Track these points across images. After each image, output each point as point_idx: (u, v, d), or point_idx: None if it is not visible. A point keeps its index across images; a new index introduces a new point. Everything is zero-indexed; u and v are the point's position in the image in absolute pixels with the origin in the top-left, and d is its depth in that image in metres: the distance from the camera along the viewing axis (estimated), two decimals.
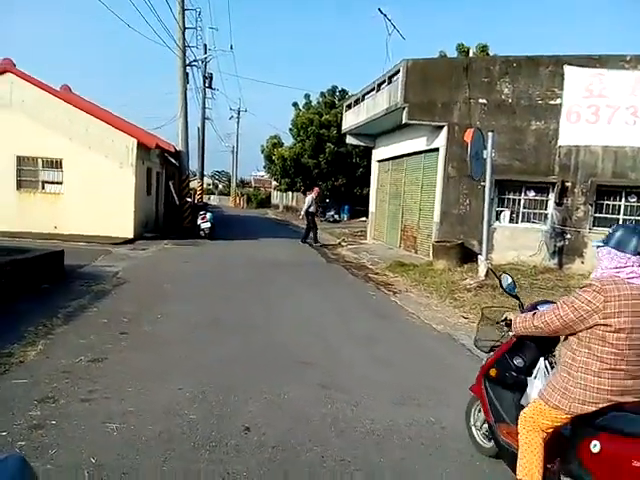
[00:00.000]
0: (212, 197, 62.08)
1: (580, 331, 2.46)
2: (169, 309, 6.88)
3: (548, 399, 2.52)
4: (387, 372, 4.94)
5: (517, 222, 12.42)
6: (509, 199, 12.48)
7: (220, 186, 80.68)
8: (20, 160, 14.25)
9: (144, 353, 5.00)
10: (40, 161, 14.41)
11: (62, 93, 15.71)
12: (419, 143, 13.93)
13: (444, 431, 3.67)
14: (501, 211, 12.51)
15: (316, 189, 18.81)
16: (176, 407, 3.76)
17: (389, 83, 13.46)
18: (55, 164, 14.42)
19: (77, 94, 17.89)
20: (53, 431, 3.29)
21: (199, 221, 17.07)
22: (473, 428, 3.41)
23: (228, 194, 64.60)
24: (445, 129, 12.46)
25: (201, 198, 29.94)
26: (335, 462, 3.15)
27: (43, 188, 14.53)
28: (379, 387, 4.49)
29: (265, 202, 53.86)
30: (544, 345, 2.94)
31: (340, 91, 31.98)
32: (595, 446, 2.33)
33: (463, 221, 12.45)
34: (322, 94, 32.12)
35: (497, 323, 3.21)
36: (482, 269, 9.89)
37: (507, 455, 2.89)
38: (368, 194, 23.05)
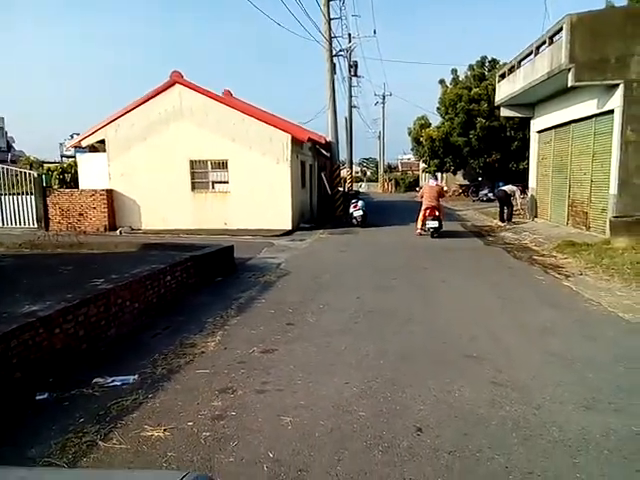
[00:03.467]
0: (361, 184, 62.85)
1: (422, 196, 14.42)
2: (330, 299, 7.02)
3: (422, 207, 14.10)
4: (568, 370, 4.42)
5: None
6: None
7: (368, 173, 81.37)
8: (193, 164, 15.77)
9: (310, 345, 5.13)
10: (209, 163, 15.79)
11: (224, 98, 17.03)
12: (588, 107, 12.47)
13: None
14: None
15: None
16: (345, 403, 3.77)
17: (550, 44, 12.16)
18: (222, 165, 15.69)
19: (237, 98, 19.25)
20: (233, 422, 3.50)
21: (351, 209, 17.31)
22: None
23: (376, 180, 64.98)
24: (621, 87, 10.98)
25: (351, 186, 30.48)
26: (522, 475, 2.86)
27: (213, 188, 15.91)
28: (561, 388, 4.03)
29: (413, 185, 53.03)
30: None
31: (490, 61, 29.98)
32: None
33: None
34: (470, 67, 30.42)
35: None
36: None
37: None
38: (525, 169, 21.31)
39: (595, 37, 11.03)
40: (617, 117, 11.21)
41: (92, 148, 16.59)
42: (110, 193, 15.91)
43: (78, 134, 19.00)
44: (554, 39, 12.00)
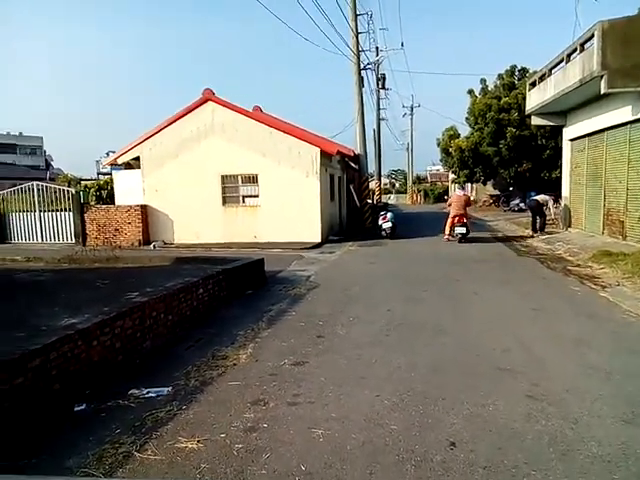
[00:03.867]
0: (390, 196, 62.69)
1: (450, 205, 15.71)
2: (360, 311, 7.01)
3: (450, 215, 15.44)
4: (606, 384, 4.30)
5: None
6: None
7: (397, 184, 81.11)
8: (224, 179, 16.06)
9: (340, 357, 5.13)
10: (240, 178, 16.05)
11: (254, 113, 17.31)
12: (622, 114, 12.19)
13: None
14: None
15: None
16: (376, 416, 3.75)
17: (581, 51, 11.97)
18: (252, 179, 15.93)
19: (267, 113, 19.56)
20: (265, 434, 3.52)
21: (380, 221, 17.29)
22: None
23: (405, 192, 64.71)
24: None
25: (380, 198, 30.43)
26: None
27: (243, 202, 16.16)
28: (599, 401, 3.92)
29: (442, 196, 52.60)
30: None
31: (520, 70, 29.64)
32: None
33: None
34: (499, 76, 30.13)
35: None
36: None
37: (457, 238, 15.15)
38: (557, 178, 20.87)
39: (628, 43, 10.80)
40: None
41: (127, 165, 17.08)
42: (144, 208, 16.33)
43: (114, 152, 19.63)
44: (585, 46, 11.80)
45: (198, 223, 15.95)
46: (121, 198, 16.93)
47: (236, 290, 7.99)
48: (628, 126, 12.29)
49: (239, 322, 6.52)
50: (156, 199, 16.36)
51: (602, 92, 11.26)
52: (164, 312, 5.76)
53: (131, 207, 16.29)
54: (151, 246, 15.79)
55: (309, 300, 7.89)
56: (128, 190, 16.63)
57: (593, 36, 11.15)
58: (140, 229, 16.18)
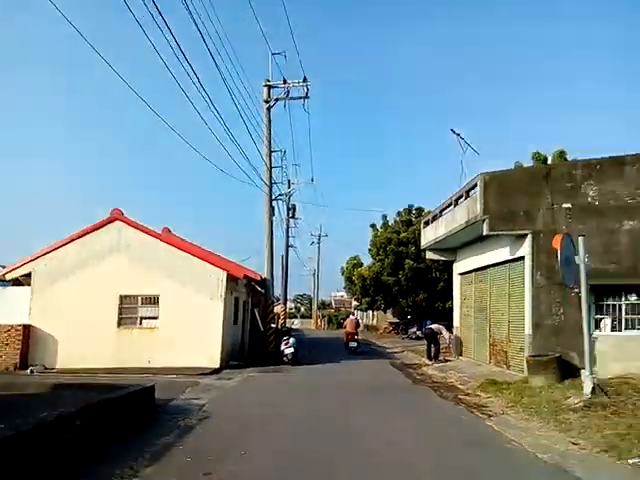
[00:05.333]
0: (295, 320, 62.79)
1: (345, 325, 25.04)
2: (252, 445, 6.67)
3: (345, 332, 22.84)
4: None
5: (620, 330, 11.44)
6: (608, 305, 11.63)
7: (302, 309, 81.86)
8: (122, 299, 15.36)
9: None
10: (140, 298, 15.44)
11: (162, 235, 17.23)
12: (502, 253, 13.61)
13: None
14: (601, 319, 11.64)
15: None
16: None
17: (467, 197, 13.59)
18: (153, 300, 15.40)
19: (176, 235, 19.58)
20: None
21: (282, 346, 17.22)
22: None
23: (310, 317, 65.31)
24: (529, 237, 12.16)
25: (284, 323, 30.41)
26: None
27: (140, 323, 15.41)
28: None
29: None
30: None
31: (416, 209, 32.73)
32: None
33: (558, 332, 11.63)
34: (398, 213, 32.99)
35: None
36: (587, 385, 8.93)
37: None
38: (450, 308, 22.33)
39: (505, 193, 12.42)
40: (527, 263, 12.19)
41: (16, 281, 15.94)
42: (27, 329, 14.98)
43: (3, 267, 18.29)
44: (470, 193, 13.39)
45: (87, 346, 14.73)
46: (2, 317, 15.46)
47: (120, 421, 7.35)
48: (507, 264, 13.63)
49: (118, 460, 5.89)
50: (43, 319, 15.13)
51: (484, 234, 12.65)
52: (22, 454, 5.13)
53: (12, 327, 14.86)
54: (27, 371, 14.25)
55: (199, 432, 7.42)
56: (11, 308, 15.30)
57: (476, 185, 12.77)
58: (19, 351, 14.66)
